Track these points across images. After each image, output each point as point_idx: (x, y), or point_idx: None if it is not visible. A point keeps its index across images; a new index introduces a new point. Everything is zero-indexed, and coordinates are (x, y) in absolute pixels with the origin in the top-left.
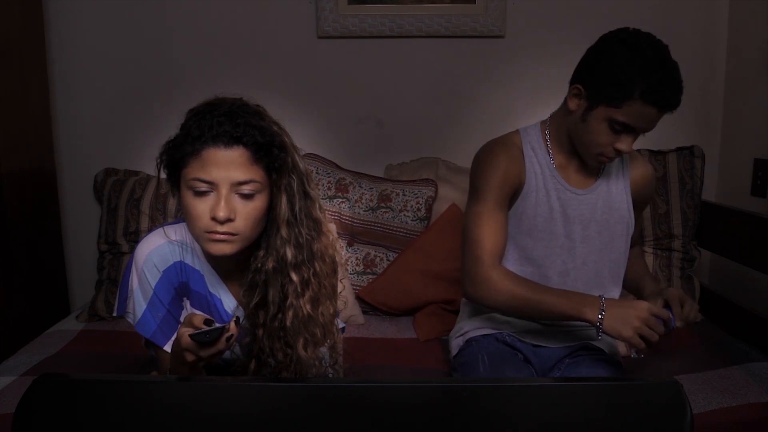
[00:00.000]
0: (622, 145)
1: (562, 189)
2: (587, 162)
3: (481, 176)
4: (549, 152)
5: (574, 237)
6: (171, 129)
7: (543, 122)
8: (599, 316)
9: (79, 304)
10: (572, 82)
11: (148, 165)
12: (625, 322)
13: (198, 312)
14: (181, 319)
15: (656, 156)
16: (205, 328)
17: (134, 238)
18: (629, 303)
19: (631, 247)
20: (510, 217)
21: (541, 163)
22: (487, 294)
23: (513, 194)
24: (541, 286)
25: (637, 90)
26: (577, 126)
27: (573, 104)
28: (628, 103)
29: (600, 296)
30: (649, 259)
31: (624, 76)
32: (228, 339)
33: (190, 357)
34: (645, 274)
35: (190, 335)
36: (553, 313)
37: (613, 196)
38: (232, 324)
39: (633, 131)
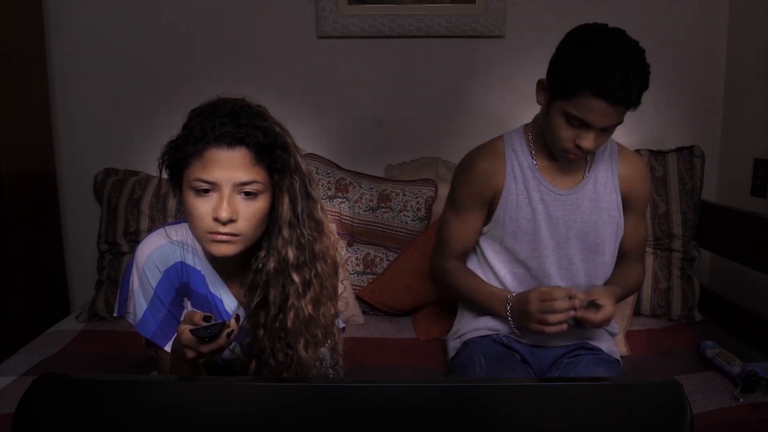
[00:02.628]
0: (584, 141)
1: (545, 190)
2: (557, 158)
3: (457, 186)
4: (531, 154)
5: (558, 238)
6: (171, 129)
7: (527, 125)
8: (507, 314)
9: (79, 304)
10: None
11: (148, 165)
12: (524, 316)
13: (198, 311)
14: (182, 319)
15: (656, 156)
16: (205, 324)
17: (134, 238)
18: (525, 297)
19: (630, 258)
20: (494, 222)
21: (522, 166)
22: (437, 279)
23: (491, 199)
24: (477, 282)
25: (584, 82)
26: (543, 121)
27: (540, 99)
28: (578, 95)
29: (510, 294)
30: (649, 259)
31: (572, 68)
32: (228, 335)
33: (190, 353)
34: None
35: (190, 330)
36: (481, 307)
37: (601, 196)
38: (233, 320)
39: (589, 126)
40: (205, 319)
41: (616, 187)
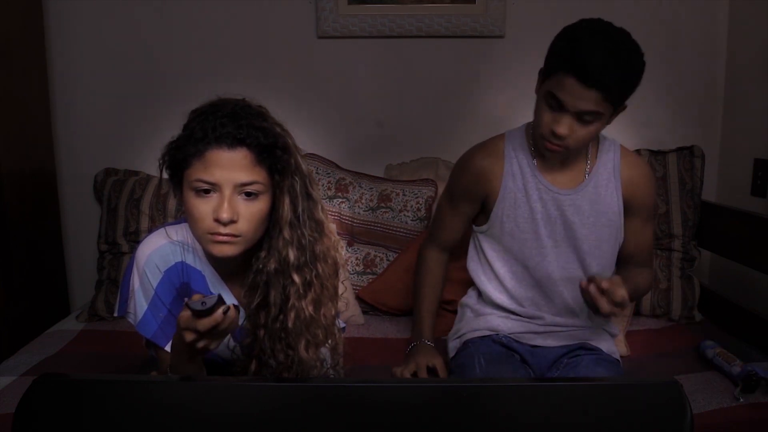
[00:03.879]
0: (557, 126)
1: (543, 189)
2: (540, 151)
3: (454, 178)
4: (532, 152)
5: (556, 237)
6: (171, 129)
7: (529, 123)
8: (406, 351)
9: (79, 304)
10: None
11: (148, 165)
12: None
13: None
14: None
15: (656, 156)
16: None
17: (134, 238)
18: (420, 354)
19: (634, 263)
20: (492, 221)
21: (521, 164)
22: (417, 262)
23: (485, 197)
24: (427, 294)
25: (559, 59)
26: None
27: (536, 89)
28: (556, 73)
29: (417, 343)
30: None
31: (553, 48)
32: (225, 312)
33: (188, 335)
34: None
35: (186, 303)
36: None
37: (602, 198)
38: (231, 305)
39: (564, 108)
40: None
41: (618, 190)
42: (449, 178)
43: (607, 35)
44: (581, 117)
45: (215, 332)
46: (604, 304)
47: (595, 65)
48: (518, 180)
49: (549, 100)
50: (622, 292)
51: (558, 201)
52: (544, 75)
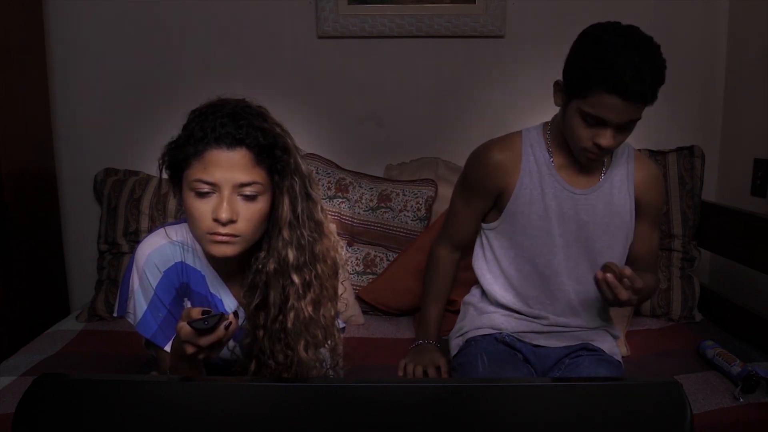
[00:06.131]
0: (602, 139)
1: (559, 188)
2: (578, 159)
3: (470, 172)
4: (549, 151)
5: (568, 237)
6: (171, 129)
7: (546, 123)
8: (412, 345)
9: (79, 304)
10: None
11: (148, 165)
12: (413, 356)
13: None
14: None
15: (656, 156)
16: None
17: (134, 238)
18: (419, 355)
19: (641, 267)
20: (505, 216)
21: (538, 162)
22: (428, 259)
23: (500, 192)
24: (437, 292)
25: (595, 79)
26: (561, 122)
27: (557, 100)
28: (592, 93)
29: (423, 342)
30: None
31: (584, 66)
32: (226, 327)
33: (190, 349)
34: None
35: (188, 322)
36: (420, 312)
37: (615, 200)
38: (231, 314)
39: (606, 124)
40: (203, 313)
41: (631, 192)
42: (462, 172)
43: (636, 43)
44: (623, 126)
45: (216, 345)
46: (622, 292)
47: (634, 81)
48: (534, 177)
49: (587, 118)
50: (639, 281)
51: (573, 200)
52: (574, 93)
